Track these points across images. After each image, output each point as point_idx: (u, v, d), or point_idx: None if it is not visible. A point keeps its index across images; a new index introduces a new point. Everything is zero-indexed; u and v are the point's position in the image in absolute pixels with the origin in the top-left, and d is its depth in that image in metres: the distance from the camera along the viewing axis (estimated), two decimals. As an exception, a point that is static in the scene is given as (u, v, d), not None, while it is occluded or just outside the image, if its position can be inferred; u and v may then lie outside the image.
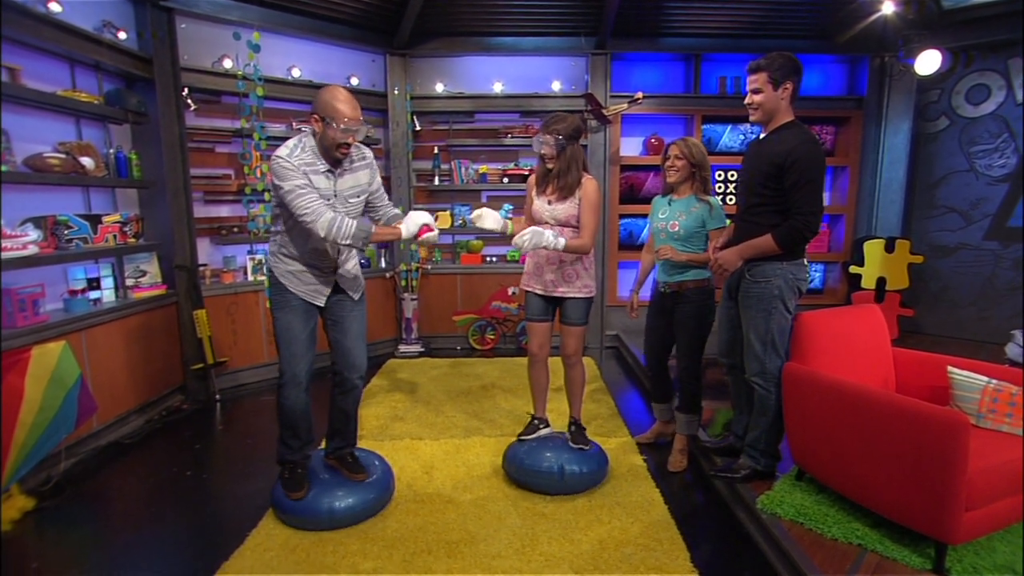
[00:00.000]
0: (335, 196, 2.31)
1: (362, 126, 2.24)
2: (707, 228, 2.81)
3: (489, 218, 2.66)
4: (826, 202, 5.40)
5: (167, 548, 2.33)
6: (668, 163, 2.86)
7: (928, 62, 4.40)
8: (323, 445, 2.72)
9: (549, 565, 2.16)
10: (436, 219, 2.46)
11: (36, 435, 2.56)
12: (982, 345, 4.62)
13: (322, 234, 2.16)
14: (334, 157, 2.27)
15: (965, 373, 2.31)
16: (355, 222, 2.23)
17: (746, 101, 2.43)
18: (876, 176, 5.14)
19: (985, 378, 2.25)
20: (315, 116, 2.21)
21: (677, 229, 2.83)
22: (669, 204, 2.91)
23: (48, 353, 2.64)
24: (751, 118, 2.45)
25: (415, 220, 2.33)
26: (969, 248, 4.92)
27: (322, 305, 2.44)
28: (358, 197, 2.41)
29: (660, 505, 2.58)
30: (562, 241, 2.53)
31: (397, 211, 2.56)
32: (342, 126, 2.18)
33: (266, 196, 4.18)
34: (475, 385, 4.20)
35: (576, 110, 5.14)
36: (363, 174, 2.41)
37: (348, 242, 2.20)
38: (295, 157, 2.19)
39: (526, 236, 2.46)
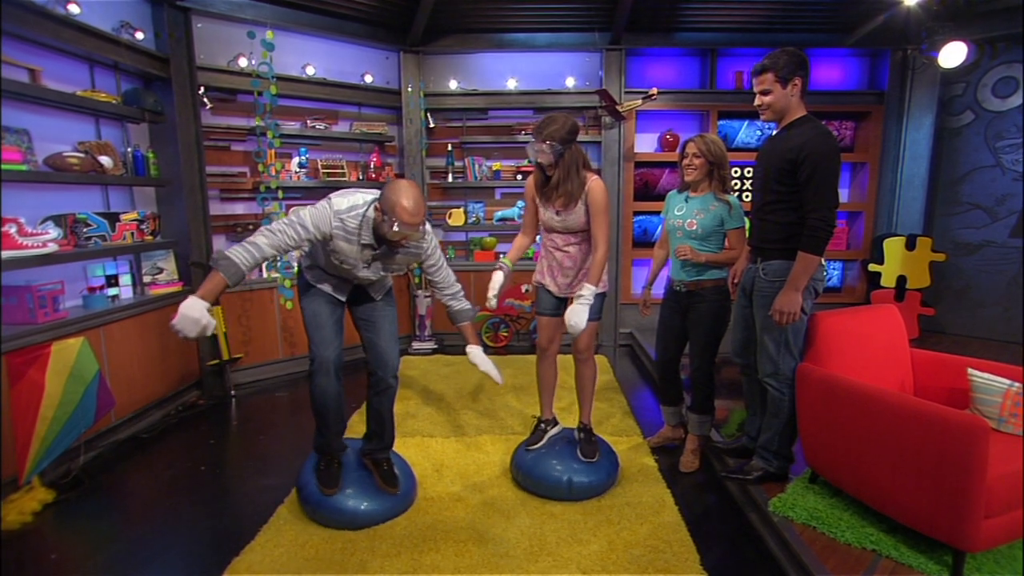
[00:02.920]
0: (365, 266, 2.32)
1: (416, 231, 2.16)
2: (725, 227, 2.74)
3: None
4: (844, 199, 5.31)
5: (181, 541, 2.37)
6: (686, 161, 2.77)
7: (952, 54, 4.29)
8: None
9: (557, 565, 2.15)
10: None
11: (56, 429, 2.63)
12: (1006, 346, 4.51)
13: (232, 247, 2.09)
14: (383, 243, 2.25)
15: (985, 375, 2.25)
16: (242, 262, 2.05)
17: (756, 103, 2.39)
18: (897, 172, 5.03)
19: (1007, 381, 2.19)
20: (377, 205, 2.17)
21: (695, 228, 2.75)
22: (686, 201, 2.83)
23: (67, 349, 2.71)
24: (762, 117, 2.41)
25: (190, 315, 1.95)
26: (994, 246, 4.79)
27: (344, 300, 2.48)
28: (391, 271, 2.47)
29: (671, 506, 2.56)
30: (593, 289, 2.45)
31: (458, 293, 2.55)
32: (395, 227, 2.12)
33: (280, 194, 4.21)
34: (487, 383, 4.19)
35: (590, 106, 5.12)
36: (404, 258, 2.40)
37: (222, 259, 2.05)
38: (339, 216, 2.17)
39: (579, 323, 2.39)
